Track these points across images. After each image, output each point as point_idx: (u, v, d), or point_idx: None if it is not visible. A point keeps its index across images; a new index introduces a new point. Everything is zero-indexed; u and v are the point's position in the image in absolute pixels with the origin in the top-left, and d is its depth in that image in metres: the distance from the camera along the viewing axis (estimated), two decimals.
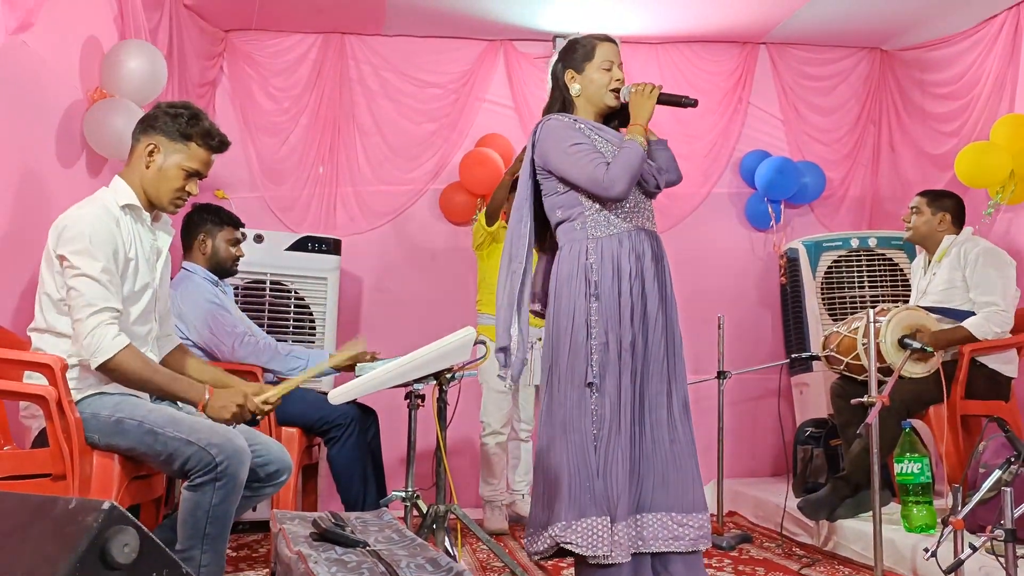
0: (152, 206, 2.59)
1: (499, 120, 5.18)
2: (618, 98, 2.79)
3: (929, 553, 2.46)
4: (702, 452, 2.81)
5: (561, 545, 2.52)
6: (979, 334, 3.65)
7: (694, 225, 5.28)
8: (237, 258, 3.65)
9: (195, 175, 2.57)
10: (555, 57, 2.86)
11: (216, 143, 2.59)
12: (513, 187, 4.30)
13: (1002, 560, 2.32)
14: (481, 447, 4.39)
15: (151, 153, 2.52)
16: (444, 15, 4.86)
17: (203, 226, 3.54)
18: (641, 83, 2.77)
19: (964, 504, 2.51)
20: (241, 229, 3.71)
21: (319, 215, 4.99)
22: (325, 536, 2.02)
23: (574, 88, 2.79)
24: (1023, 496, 2.54)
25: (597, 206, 2.69)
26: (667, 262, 2.77)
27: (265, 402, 2.51)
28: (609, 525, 2.49)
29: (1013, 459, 2.42)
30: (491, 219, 4.34)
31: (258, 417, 2.55)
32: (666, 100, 2.80)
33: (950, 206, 3.95)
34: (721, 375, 4.13)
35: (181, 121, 2.52)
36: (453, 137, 5.13)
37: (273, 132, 5.00)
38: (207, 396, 2.45)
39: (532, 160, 2.76)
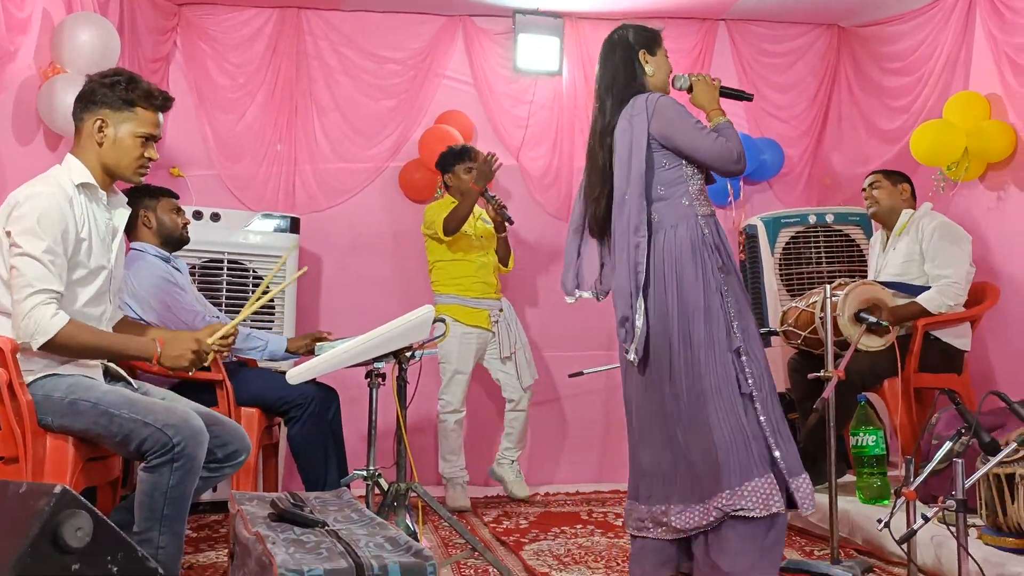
0: (111, 182, 2.55)
1: (459, 96, 5.14)
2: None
3: (882, 524, 2.50)
4: None
5: (731, 513, 2.51)
6: (932, 308, 3.73)
7: None
8: (185, 225, 3.61)
9: (150, 139, 2.53)
10: (622, 33, 2.87)
11: (160, 101, 2.55)
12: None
13: (953, 529, 2.37)
14: (439, 424, 4.39)
15: (100, 129, 2.47)
16: None
17: (139, 204, 3.46)
18: (699, 73, 2.90)
19: (917, 475, 2.55)
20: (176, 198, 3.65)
21: (277, 193, 4.92)
22: (283, 516, 2.01)
23: (648, 69, 2.83)
24: (974, 467, 2.60)
25: (698, 186, 2.76)
26: None
27: (223, 337, 2.53)
28: (775, 482, 2.52)
29: (964, 431, 2.46)
30: (453, 232, 4.31)
31: (223, 353, 2.55)
32: (727, 93, 2.91)
33: (907, 179, 4.09)
34: None
35: (120, 88, 2.47)
36: (412, 114, 5.08)
37: (229, 109, 4.91)
38: (159, 348, 2.43)
39: (648, 133, 2.71)
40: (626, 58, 2.84)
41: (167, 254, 3.55)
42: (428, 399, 4.35)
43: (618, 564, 3.11)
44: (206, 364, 2.55)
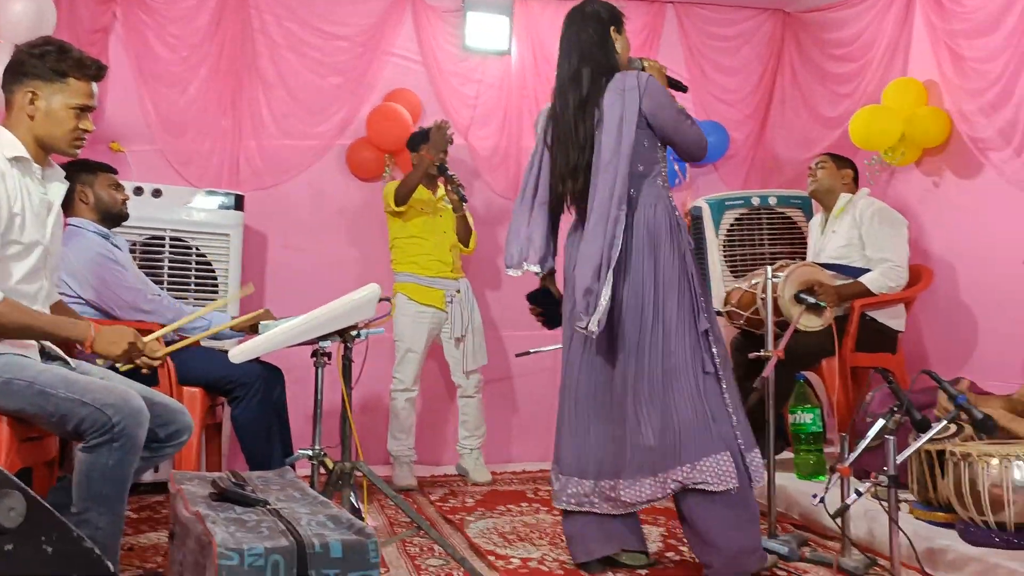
0: (46, 155, 2.49)
1: (407, 75, 5.09)
2: None
3: (818, 499, 2.57)
4: None
5: (691, 486, 2.56)
6: (875, 289, 3.84)
7: None
8: (124, 200, 3.54)
9: (85, 110, 2.46)
10: (594, 7, 2.86)
11: (93, 71, 2.47)
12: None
13: (885, 504, 2.44)
14: (390, 402, 4.39)
15: (32, 101, 2.40)
16: None
17: (77, 179, 3.39)
18: (650, 60, 2.95)
19: (851, 452, 2.62)
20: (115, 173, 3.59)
21: (221, 169, 4.82)
22: (224, 496, 1.99)
23: (617, 46, 2.85)
24: (906, 443, 2.68)
25: (666, 169, 2.81)
26: None
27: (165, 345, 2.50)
28: (731, 459, 2.57)
29: (896, 409, 2.54)
30: (403, 201, 4.29)
31: (156, 363, 2.50)
32: (668, 81, 2.95)
33: (852, 165, 4.22)
34: None
35: (50, 58, 2.40)
36: (360, 91, 5.01)
37: (171, 83, 4.79)
38: (93, 332, 2.39)
39: (639, 110, 2.71)
40: (599, 31, 2.84)
41: (106, 231, 3.48)
42: (377, 379, 4.34)
43: (562, 540, 3.13)
44: (138, 364, 2.50)
